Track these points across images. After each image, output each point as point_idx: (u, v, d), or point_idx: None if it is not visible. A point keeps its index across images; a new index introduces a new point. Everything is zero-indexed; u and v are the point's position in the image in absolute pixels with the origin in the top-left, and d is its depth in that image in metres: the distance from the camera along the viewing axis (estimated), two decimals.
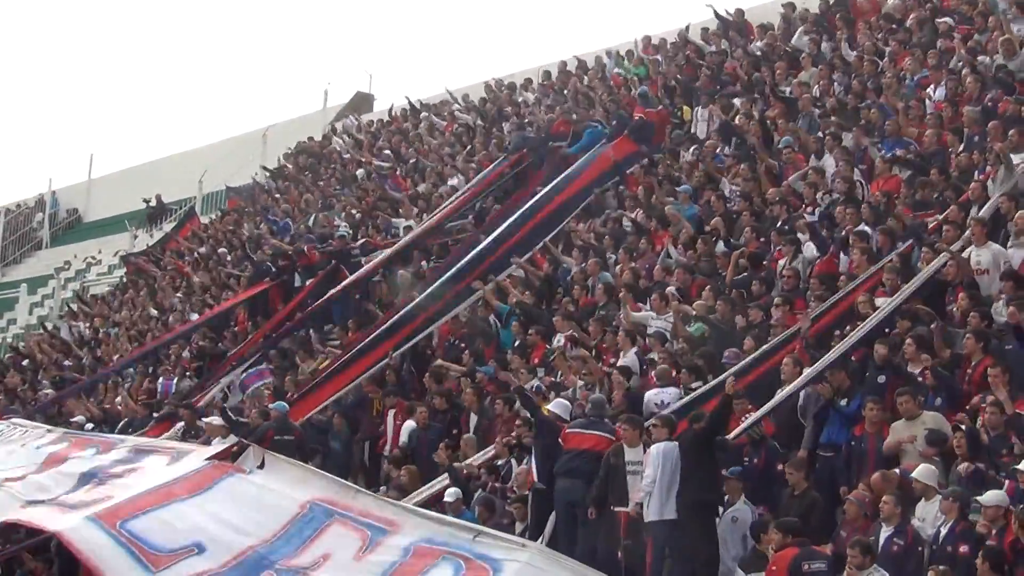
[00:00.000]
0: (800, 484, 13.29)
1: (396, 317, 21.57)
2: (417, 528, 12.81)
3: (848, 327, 14.97)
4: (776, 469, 13.88)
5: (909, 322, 14.38)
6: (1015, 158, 16.07)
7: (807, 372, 14.36)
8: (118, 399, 24.72)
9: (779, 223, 18.20)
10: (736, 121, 22.18)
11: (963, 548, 11.35)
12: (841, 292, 15.79)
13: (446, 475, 16.41)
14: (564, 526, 14.59)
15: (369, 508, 13.39)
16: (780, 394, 14.40)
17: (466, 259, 22.25)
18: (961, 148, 17.06)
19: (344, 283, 24.41)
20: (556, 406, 15.74)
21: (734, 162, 20.61)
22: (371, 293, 24.53)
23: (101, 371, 27.36)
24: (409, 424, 18.39)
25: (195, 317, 27.85)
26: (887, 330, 14.64)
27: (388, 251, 24.99)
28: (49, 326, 34.54)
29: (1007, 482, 11.65)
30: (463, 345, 20.38)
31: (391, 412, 19.00)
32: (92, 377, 27.11)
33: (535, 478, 15.19)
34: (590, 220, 22.07)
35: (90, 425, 23.01)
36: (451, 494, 15.55)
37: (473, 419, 17.81)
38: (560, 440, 14.92)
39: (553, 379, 17.64)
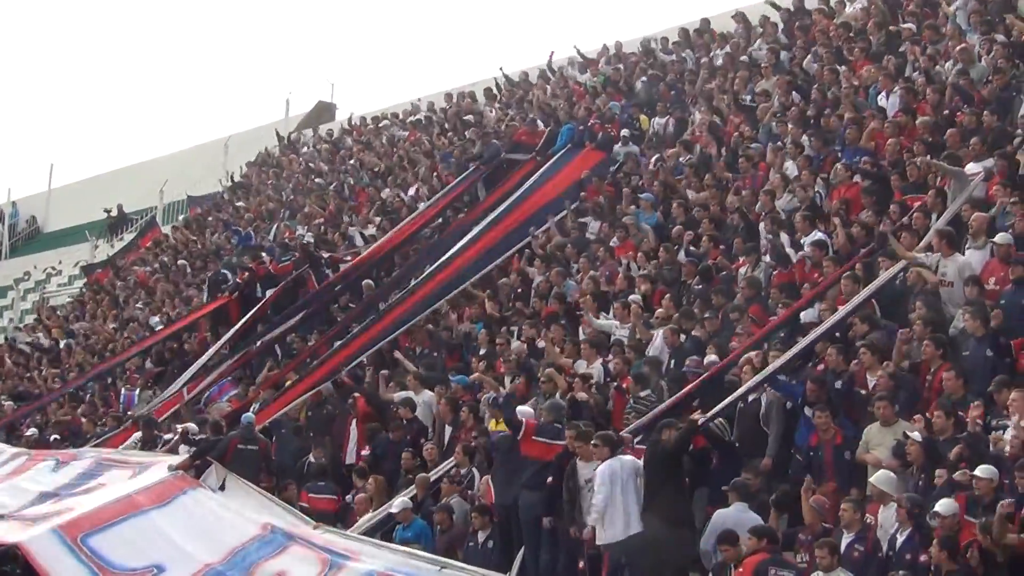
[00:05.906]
0: (754, 486, 13.29)
1: (359, 327, 21.59)
2: (379, 559, 12.77)
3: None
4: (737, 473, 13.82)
5: (867, 327, 14.36)
6: (974, 167, 16.14)
7: (760, 375, 14.32)
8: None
9: (739, 231, 18.22)
10: (693, 132, 22.25)
11: (923, 558, 11.36)
12: (802, 300, 15.84)
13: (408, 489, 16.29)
14: (528, 539, 14.52)
15: (331, 540, 13.35)
16: (733, 395, 14.34)
17: (433, 266, 22.30)
18: (928, 157, 16.97)
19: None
20: (520, 415, 15.37)
21: (691, 171, 20.67)
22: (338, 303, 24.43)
23: (61, 386, 27.09)
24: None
25: (155, 323, 27.66)
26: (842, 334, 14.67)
27: (358, 259, 24.93)
28: (8, 337, 34.24)
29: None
30: (434, 354, 20.22)
31: (353, 420, 18.81)
32: (52, 393, 26.83)
33: (493, 498, 15.11)
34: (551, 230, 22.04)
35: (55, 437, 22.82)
36: (399, 504, 15.41)
37: (448, 430, 17.54)
38: (520, 450, 14.78)
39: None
